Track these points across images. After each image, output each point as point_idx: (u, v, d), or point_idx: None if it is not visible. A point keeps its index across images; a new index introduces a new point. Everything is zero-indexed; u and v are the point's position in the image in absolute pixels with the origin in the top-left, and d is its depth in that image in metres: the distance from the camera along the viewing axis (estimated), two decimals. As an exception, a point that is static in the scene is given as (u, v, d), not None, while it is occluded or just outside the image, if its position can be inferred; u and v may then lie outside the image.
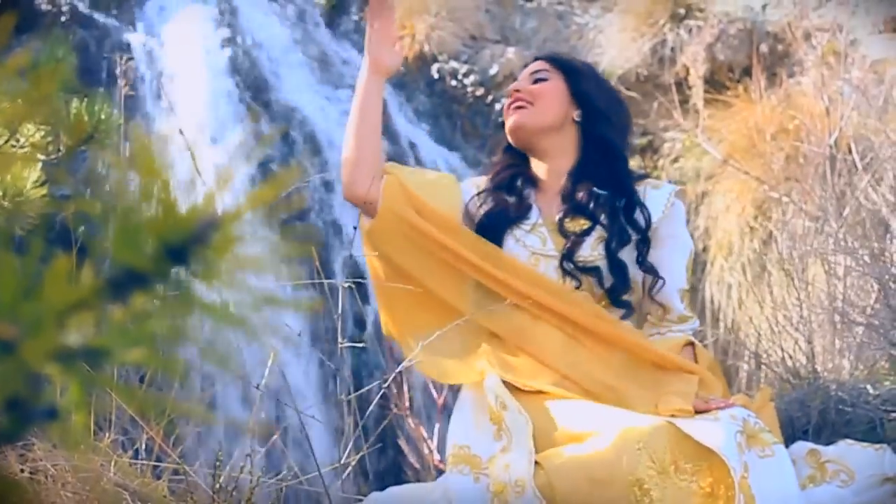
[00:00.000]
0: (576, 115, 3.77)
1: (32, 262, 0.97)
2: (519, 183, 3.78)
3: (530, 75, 3.81)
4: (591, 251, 3.61)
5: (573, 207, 3.68)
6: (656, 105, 8.45)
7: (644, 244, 3.67)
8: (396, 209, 3.56)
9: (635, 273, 3.66)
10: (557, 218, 3.67)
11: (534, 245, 3.64)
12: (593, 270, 3.60)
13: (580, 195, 3.69)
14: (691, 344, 3.69)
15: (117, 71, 3.55)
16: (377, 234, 3.58)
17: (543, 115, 3.74)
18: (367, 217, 3.61)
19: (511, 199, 3.73)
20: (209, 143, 7.36)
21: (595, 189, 3.69)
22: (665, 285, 3.67)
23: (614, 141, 3.82)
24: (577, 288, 3.60)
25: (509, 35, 9.68)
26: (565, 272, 3.60)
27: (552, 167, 3.77)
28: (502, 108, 3.94)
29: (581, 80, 3.86)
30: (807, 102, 7.24)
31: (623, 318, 3.68)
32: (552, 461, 3.15)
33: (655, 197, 3.74)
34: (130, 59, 3.70)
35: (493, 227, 3.68)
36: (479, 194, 3.78)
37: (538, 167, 3.81)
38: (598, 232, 3.64)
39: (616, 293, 3.65)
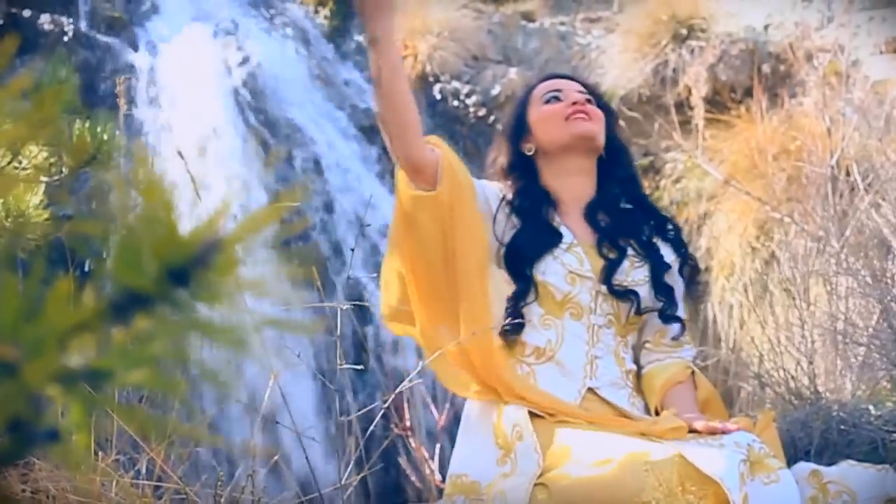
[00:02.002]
0: (602, 152, 3.80)
1: (34, 284, 0.97)
2: (544, 202, 3.76)
3: (581, 93, 3.82)
4: (626, 276, 3.63)
5: (607, 233, 3.70)
6: (658, 125, 8.46)
7: (662, 268, 3.72)
8: (453, 192, 3.54)
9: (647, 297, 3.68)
10: (595, 241, 3.67)
11: (571, 264, 3.60)
12: (632, 294, 3.61)
13: (611, 222, 3.73)
14: (691, 370, 3.71)
15: (116, 90, 3.55)
16: (434, 204, 3.53)
17: (602, 133, 3.77)
18: (413, 184, 3.56)
19: (541, 219, 3.70)
20: (211, 163, 7.37)
21: (626, 214, 3.75)
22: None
23: (638, 178, 3.90)
24: (608, 315, 3.61)
25: (511, 55, 9.70)
26: (600, 295, 3.60)
27: (576, 190, 3.75)
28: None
29: (612, 120, 3.90)
30: (808, 123, 7.26)
31: (676, 335, 3.72)
32: (558, 483, 3.14)
33: None
34: (129, 77, 3.68)
35: (529, 247, 3.65)
36: (504, 204, 3.75)
37: (560, 186, 3.76)
38: (632, 257, 3.66)
39: (666, 312, 3.69)
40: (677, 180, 8.51)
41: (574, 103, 3.73)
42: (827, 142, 6.31)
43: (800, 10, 8.82)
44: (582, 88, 3.83)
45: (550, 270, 3.60)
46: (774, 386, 4.65)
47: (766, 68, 8.45)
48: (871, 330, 4.47)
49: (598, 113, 3.76)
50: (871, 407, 4.11)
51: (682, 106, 8.44)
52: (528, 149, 3.80)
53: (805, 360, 4.57)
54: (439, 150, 3.59)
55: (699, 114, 8.10)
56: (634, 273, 3.65)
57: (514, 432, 3.32)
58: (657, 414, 3.55)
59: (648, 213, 3.83)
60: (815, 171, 6.22)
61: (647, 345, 3.74)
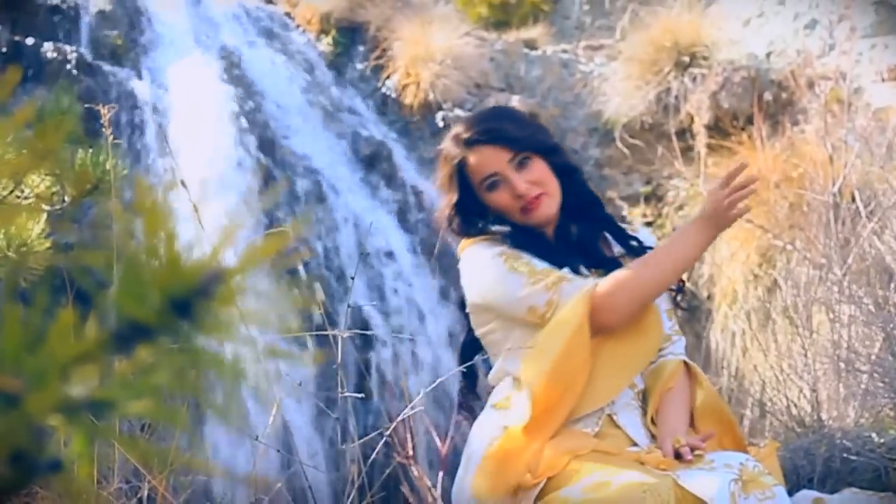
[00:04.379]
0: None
1: (37, 315, 0.97)
2: (540, 241, 3.76)
3: (510, 163, 3.70)
4: None
5: (588, 260, 3.71)
6: (660, 153, 8.47)
7: None
8: None
9: None
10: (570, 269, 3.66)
11: None
12: None
13: (587, 244, 3.74)
14: (682, 365, 3.70)
15: (102, 120, 3.53)
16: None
17: (557, 193, 3.73)
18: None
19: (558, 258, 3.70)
20: (214, 192, 7.37)
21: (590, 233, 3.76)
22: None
23: (569, 163, 3.86)
24: None
25: (514, 83, 9.72)
26: None
27: (551, 224, 3.77)
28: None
29: (545, 146, 3.82)
30: (810, 150, 7.26)
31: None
32: (555, 505, 3.19)
33: (643, 235, 3.85)
34: (114, 106, 3.66)
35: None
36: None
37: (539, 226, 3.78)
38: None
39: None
40: (680, 207, 8.51)
41: (520, 196, 3.68)
42: (829, 169, 6.31)
43: (802, 37, 8.84)
44: (510, 154, 3.71)
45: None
46: (777, 414, 4.65)
47: (768, 96, 8.46)
48: (873, 358, 4.47)
49: (542, 178, 3.71)
50: (874, 435, 4.11)
51: (685, 133, 8.45)
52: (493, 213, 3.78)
53: (808, 388, 4.57)
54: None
55: (701, 141, 8.11)
56: None
57: None
58: (653, 422, 3.56)
59: (610, 230, 3.88)
60: (818, 199, 6.21)
61: None
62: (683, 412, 3.61)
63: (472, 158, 3.74)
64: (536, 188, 3.67)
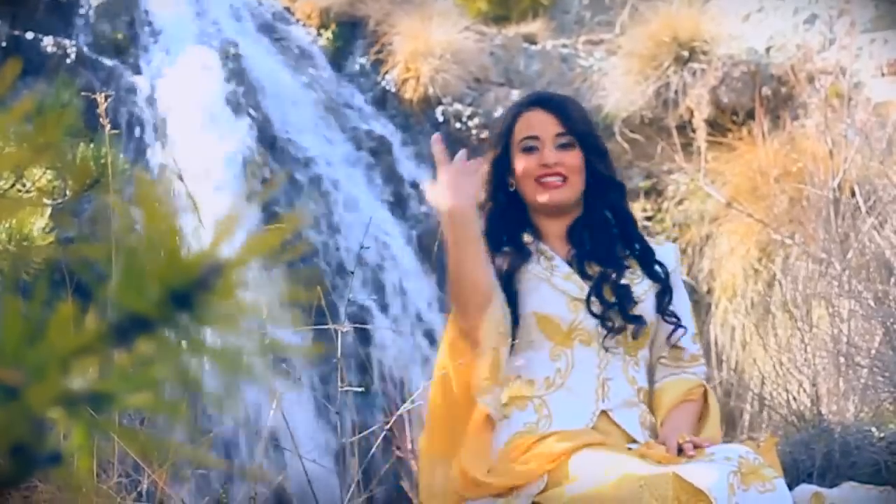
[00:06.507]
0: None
1: (37, 307, 0.97)
2: (527, 232, 3.75)
3: (557, 137, 3.76)
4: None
5: (588, 254, 3.68)
6: (660, 148, 8.46)
7: (665, 294, 3.69)
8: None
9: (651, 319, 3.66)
10: (574, 260, 3.66)
11: (572, 291, 3.60)
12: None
13: (592, 243, 3.70)
14: (703, 389, 3.70)
15: (98, 110, 3.51)
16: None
17: (577, 189, 3.71)
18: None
19: (532, 250, 3.69)
20: (213, 186, 7.37)
21: (605, 237, 3.72)
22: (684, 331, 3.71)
23: (613, 175, 3.83)
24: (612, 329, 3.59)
25: (513, 78, 9.71)
26: (593, 312, 3.59)
27: (564, 219, 3.75)
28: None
29: (595, 147, 3.81)
30: (810, 145, 7.26)
31: (693, 353, 3.77)
32: (555, 502, 3.18)
33: (663, 252, 3.76)
34: (110, 95, 3.65)
35: (517, 278, 3.65)
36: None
37: (545, 220, 3.77)
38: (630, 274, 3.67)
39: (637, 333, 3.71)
40: (680, 202, 8.51)
41: (544, 165, 3.70)
42: (829, 164, 6.31)
43: (801, 32, 8.84)
44: (561, 128, 3.73)
45: (551, 301, 3.59)
46: (777, 408, 4.65)
47: (767, 90, 8.45)
48: (873, 352, 4.47)
49: (572, 166, 3.70)
50: (873, 429, 4.11)
51: (684, 128, 8.44)
52: (511, 184, 3.78)
53: (807, 382, 4.57)
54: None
55: (701, 136, 8.10)
56: (636, 289, 3.65)
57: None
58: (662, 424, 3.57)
59: (634, 239, 3.82)
60: (817, 194, 6.22)
61: (663, 360, 3.72)
62: (692, 420, 3.61)
63: (525, 117, 3.78)
64: (563, 170, 3.68)
